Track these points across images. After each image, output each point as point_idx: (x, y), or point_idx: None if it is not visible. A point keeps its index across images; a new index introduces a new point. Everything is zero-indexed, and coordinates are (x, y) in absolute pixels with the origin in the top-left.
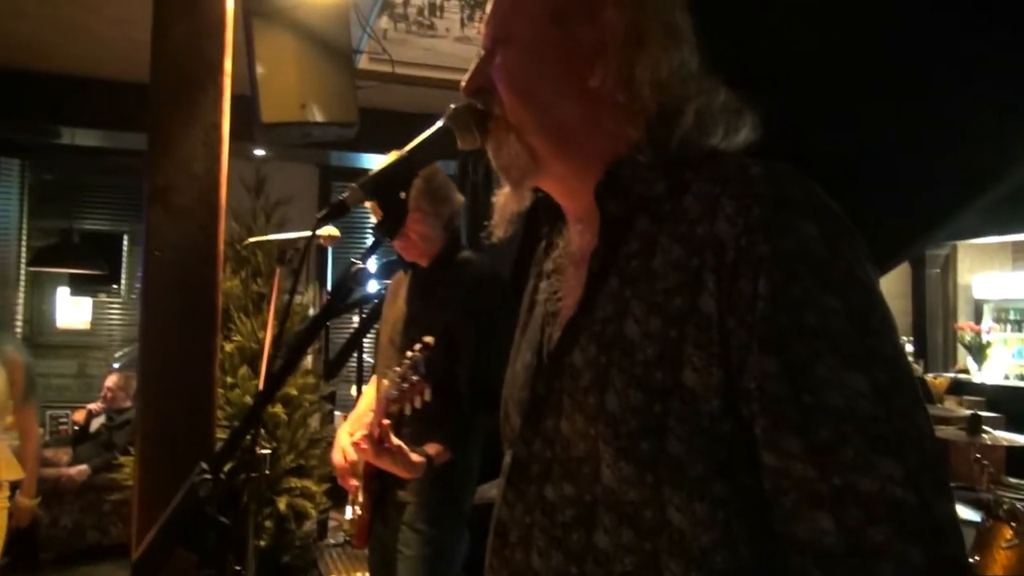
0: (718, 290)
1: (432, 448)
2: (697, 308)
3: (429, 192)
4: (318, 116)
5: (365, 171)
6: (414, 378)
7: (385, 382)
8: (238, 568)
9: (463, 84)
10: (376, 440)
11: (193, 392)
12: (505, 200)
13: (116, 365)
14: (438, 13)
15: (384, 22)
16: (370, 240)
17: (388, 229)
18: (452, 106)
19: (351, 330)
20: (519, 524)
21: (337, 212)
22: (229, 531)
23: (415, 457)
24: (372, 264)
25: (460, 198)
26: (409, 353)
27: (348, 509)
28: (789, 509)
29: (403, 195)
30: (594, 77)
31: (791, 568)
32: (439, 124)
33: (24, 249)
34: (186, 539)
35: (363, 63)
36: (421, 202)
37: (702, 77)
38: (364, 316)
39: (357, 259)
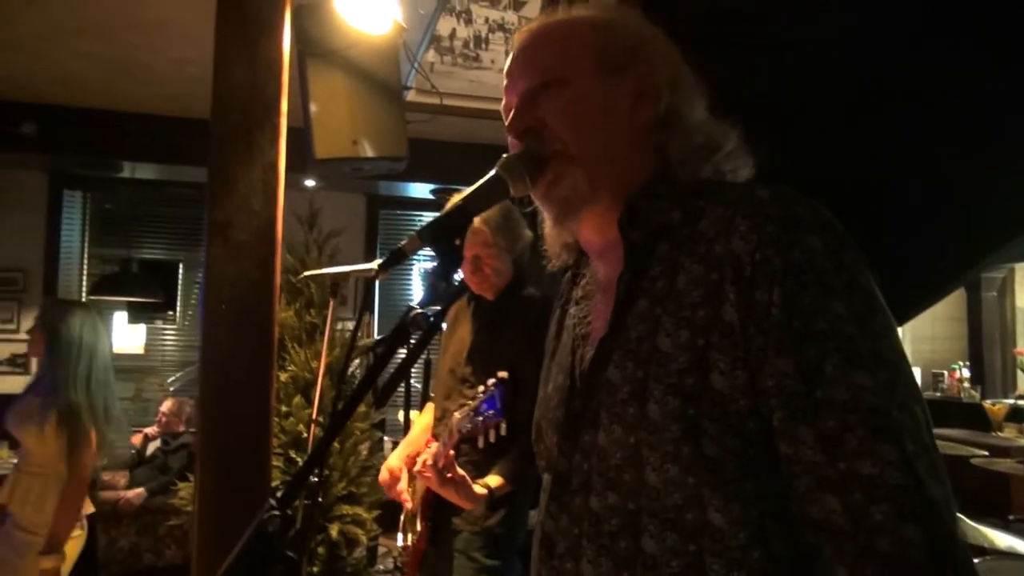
0: (739, 300)
1: (494, 481)
2: (720, 318)
3: (506, 229)
4: (369, 151)
5: (410, 199)
6: (489, 412)
7: (457, 414)
8: None
9: (508, 126)
10: (440, 469)
11: (250, 421)
12: (555, 233)
13: (171, 389)
14: (483, 45)
15: (431, 55)
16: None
17: (444, 274)
18: (504, 156)
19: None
20: (566, 535)
21: (396, 259)
22: (296, 566)
23: (478, 489)
24: (419, 291)
25: (529, 234)
26: (482, 388)
27: (399, 536)
28: (803, 492)
29: (458, 242)
30: (637, 120)
31: (805, 544)
32: (492, 173)
33: (85, 277)
34: (255, 574)
35: (411, 96)
36: (498, 238)
37: (717, 120)
38: (412, 345)
39: (416, 304)
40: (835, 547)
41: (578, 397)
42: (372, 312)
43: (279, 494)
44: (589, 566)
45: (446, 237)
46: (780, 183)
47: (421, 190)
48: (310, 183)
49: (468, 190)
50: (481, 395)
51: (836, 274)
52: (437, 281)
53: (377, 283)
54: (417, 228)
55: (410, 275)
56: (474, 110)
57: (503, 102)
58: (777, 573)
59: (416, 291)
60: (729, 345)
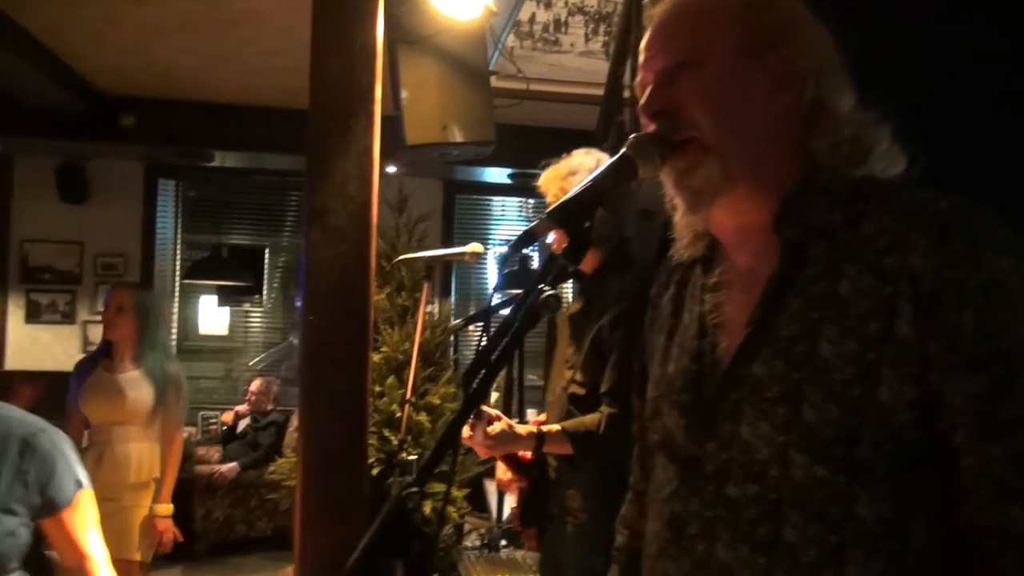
0: (916, 317)
1: (551, 427)
2: (894, 332)
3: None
4: (458, 136)
5: (486, 184)
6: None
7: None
8: None
9: (642, 106)
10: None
11: (348, 400)
12: (688, 221)
13: (259, 368)
14: (563, 29)
15: (510, 40)
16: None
17: (573, 256)
18: (634, 136)
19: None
20: (698, 518)
21: (526, 241)
22: (432, 542)
23: (519, 429)
24: (495, 277)
25: (626, 208)
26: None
27: (507, 511)
28: (984, 502)
29: (588, 224)
30: (777, 107)
31: (983, 550)
32: (621, 153)
33: (179, 262)
34: (393, 549)
35: (491, 81)
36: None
37: (865, 110)
38: (493, 330)
39: (546, 286)
40: (1019, 553)
41: (714, 386)
42: (450, 296)
43: (418, 472)
44: (725, 550)
45: (575, 219)
46: (959, 195)
47: (497, 175)
48: (391, 169)
49: (597, 171)
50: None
51: (1022, 294)
52: (565, 263)
53: (454, 265)
54: (487, 210)
55: (485, 259)
56: (554, 94)
57: (639, 77)
58: (916, 564)
59: (491, 275)
60: (901, 361)
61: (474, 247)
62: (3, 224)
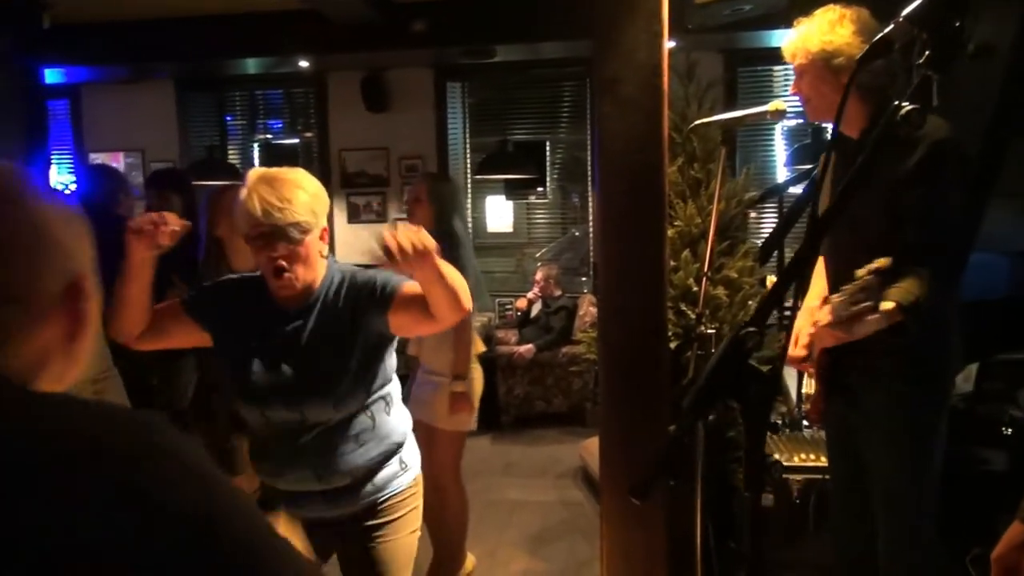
0: None
1: (886, 304)
2: None
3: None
4: None
5: (771, 52)
6: (865, 304)
7: (836, 298)
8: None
9: None
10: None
11: (645, 272)
12: None
13: (547, 258)
14: None
15: None
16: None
17: (939, 64)
18: None
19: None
20: None
21: (881, 50)
22: (772, 384)
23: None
24: (784, 151)
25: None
26: (860, 272)
27: (808, 383)
28: None
29: (958, 24)
30: None
31: None
32: None
33: (468, 161)
34: (730, 390)
35: None
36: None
37: None
38: (790, 205)
39: (905, 102)
40: None
41: None
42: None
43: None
44: None
45: (943, 17)
46: None
47: (784, 38)
48: (669, 44)
49: None
50: (858, 282)
51: None
52: (931, 73)
53: (738, 141)
54: (773, 80)
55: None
56: None
57: None
58: None
59: (778, 149)
60: None
61: (776, 104)
62: (323, 136)
